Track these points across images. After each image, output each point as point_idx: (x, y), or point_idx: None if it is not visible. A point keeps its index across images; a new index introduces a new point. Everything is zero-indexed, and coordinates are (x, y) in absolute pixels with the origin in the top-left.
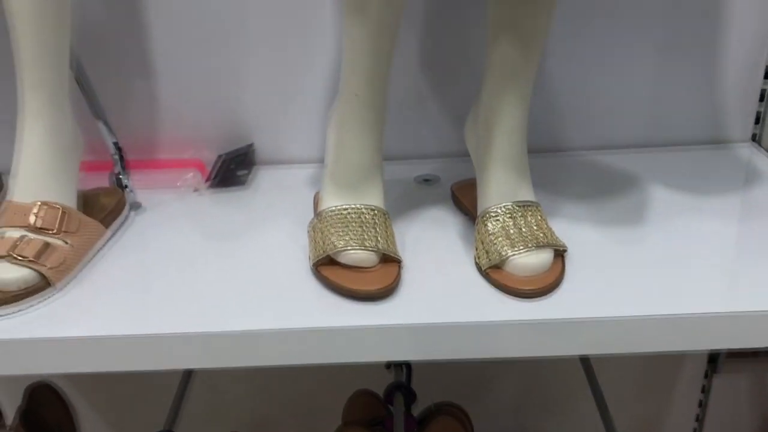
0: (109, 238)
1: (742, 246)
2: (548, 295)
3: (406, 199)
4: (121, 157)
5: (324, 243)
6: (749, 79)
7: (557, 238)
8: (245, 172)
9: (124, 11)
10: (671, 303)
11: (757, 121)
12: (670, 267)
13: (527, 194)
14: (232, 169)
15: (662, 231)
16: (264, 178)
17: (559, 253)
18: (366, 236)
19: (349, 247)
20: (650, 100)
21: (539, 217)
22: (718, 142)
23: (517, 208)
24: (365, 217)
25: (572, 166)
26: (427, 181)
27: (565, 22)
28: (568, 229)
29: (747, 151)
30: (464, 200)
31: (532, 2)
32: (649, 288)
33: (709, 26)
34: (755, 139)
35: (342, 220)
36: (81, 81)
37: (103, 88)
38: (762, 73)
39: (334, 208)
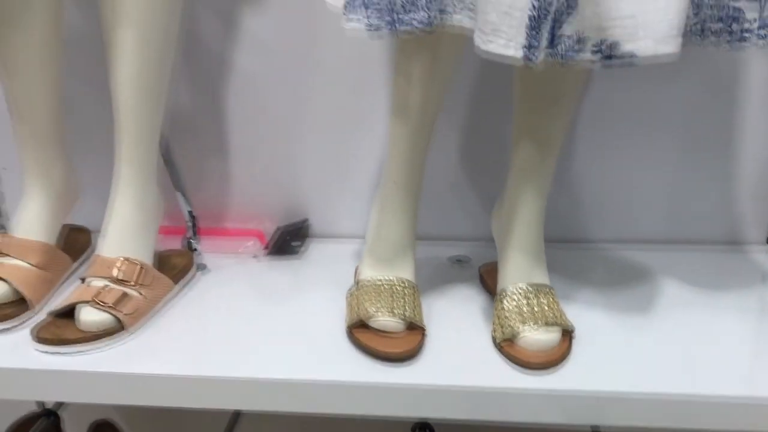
0: (177, 293)
1: (749, 337)
2: (554, 369)
3: (438, 276)
4: (194, 224)
5: (359, 309)
6: (764, 183)
7: (566, 319)
8: (299, 243)
9: (209, 101)
10: (672, 382)
11: None
12: (675, 350)
13: (541, 277)
14: (288, 240)
15: (671, 320)
16: (315, 250)
17: (567, 333)
18: (395, 305)
19: (379, 314)
20: (668, 198)
21: (551, 299)
22: (734, 243)
23: (531, 289)
24: (396, 289)
25: (593, 258)
26: (459, 261)
27: (591, 123)
28: (579, 313)
29: (763, 255)
30: (489, 280)
31: (547, 112)
32: (651, 367)
33: (725, 131)
34: None
35: (376, 290)
36: (167, 157)
37: (184, 163)
38: None
39: (370, 278)
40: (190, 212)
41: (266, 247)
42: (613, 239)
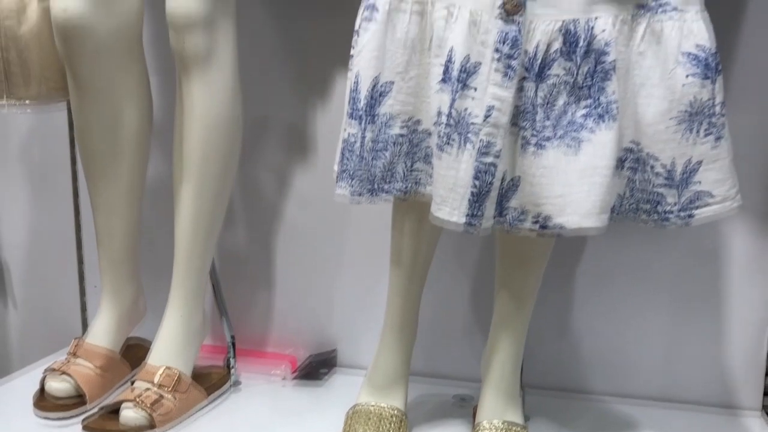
0: (210, 403)
1: None
2: None
3: (437, 411)
4: (234, 347)
5: (350, 429)
6: (755, 349)
7: None
8: (326, 371)
9: (259, 242)
10: None
11: (766, 393)
12: None
13: (515, 416)
14: (315, 368)
15: None
16: (338, 379)
17: None
18: (381, 430)
19: None
20: (663, 357)
21: None
22: (729, 407)
23: (504, 426)
24: (385, 414)
25: (585, 409)
26: (462, 399)
27: (591, 281)
28: None
29: (758, 422)
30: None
31: (521, 268)
32: None
33: (713, 296)
34: (766, 410)
35: (366, 414)
36: (216, 286)
37: (232, 292)
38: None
39: (364, 403)
40: (231, 336)
41: (294, 371)
42: (609, 392)
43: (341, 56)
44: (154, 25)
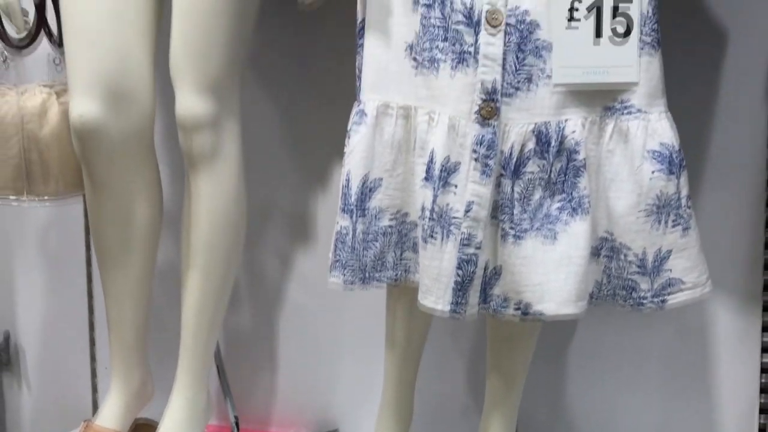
0: None
1: None
2: None
3: None
4: (237, 425)
5: None
6: (746, 426)
7: None
8: None
9: (263, 324)
10: None
11: None
12: None
13: None
14: None
15: None
16: None
17: None
18: None
19: None
20: None
21: None
22: None
23: None
24: None
25: None
26: None
27: (581, 358)
28: None
29: None
30: None
31: (510, 351)
32: None
33: (701, 379)
34: None
35: None
36: (220, 367)
37: (236, 372)
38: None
39: None
40: (235, 416)
41: None
42: None
43: (339, 148)
44: (166, 121)
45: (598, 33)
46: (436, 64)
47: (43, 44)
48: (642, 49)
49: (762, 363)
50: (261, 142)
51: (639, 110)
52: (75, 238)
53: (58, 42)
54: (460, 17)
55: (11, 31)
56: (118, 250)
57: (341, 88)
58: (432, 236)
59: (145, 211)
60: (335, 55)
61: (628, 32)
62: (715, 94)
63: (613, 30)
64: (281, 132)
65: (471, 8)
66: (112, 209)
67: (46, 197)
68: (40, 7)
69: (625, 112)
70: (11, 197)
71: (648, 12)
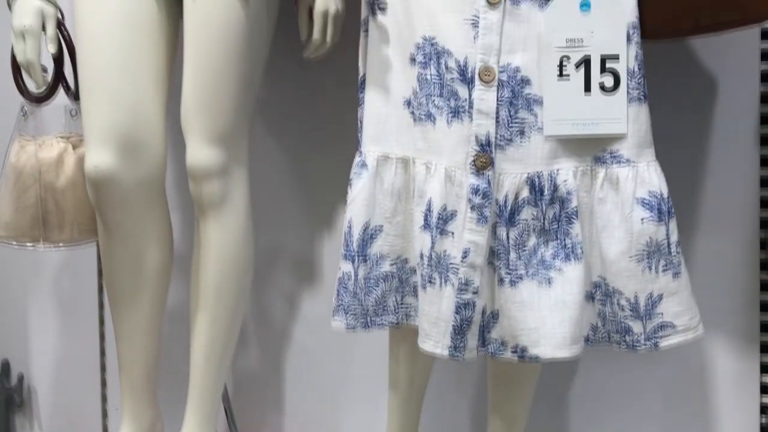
0: None
1: None
2: None
3: None
4: None
5: None
6: None
7: None
8: None
9: (271, 364)
10: None
11: None
12: None
13: None
14: None
15: None
16: None
17: None
18: None
19: None
20: None
21: None
22: None
23: None
24: None
25: None
26: None
27: (583, 400)
28: None
29: None
30: None
31: (511, 393)
32: None
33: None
34: None
35: None
36: (227, 407)
37: (244, 413)
38: None
39: None
40: None
41: None
42: None
43: (343, 194)
44: (176, 168)
45: (588, 87)
46: (432, 118)
47: (61, 96)
48: (630, 101)
49: (761, 403)
50: (268, 187)
51: (628, 160)
52: (87, 281)
53: (74, 95)
54: (455, 74)
55: (31, 85)
56: (129, 292)
57: (344, 136)
58: (430, 281)
59: (156, 255)
60: (339, 105)
61: (616, 86)
62: (706, 139)
63: (602, 84)
64: (287, 178)
65: (465, 65)
66: (124, 253)
67: (61, 243)
68: (58, 63)
69: (615, 161)
70: (28, 244)
71: (634, 67)
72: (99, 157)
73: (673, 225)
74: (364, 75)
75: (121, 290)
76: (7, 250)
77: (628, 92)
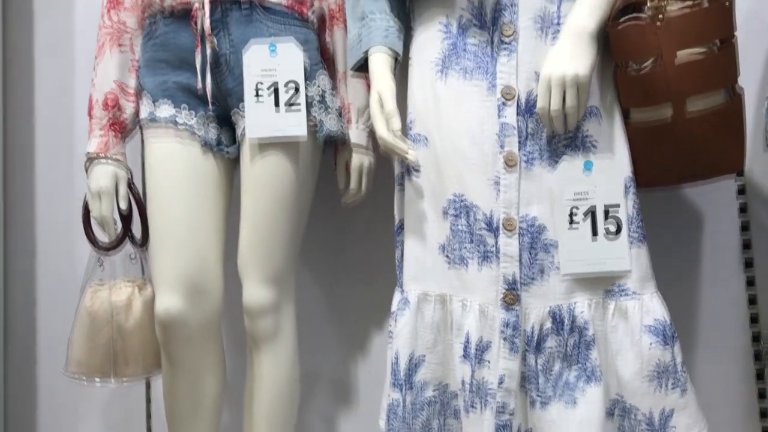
0: None
1: None
2: None
3: None
4: None
5: None
6: None
7: None
8: None
9: None
10: None
11: None
12: None
13: None
14: None
15: None
16: None
17: None
18: None
19: None
20: None
21: None
22: None
23: None
24: None
25: None
26: None
27: None
28: None
29: None
30: None
31: None
32: None
33: None
34: None
35: None
36: None
37: None
38: None
39: None
40: None
41: None
42: None
43: (378, 323)
44: (228, 305)
45: (595, 232)
46: (465, 262)
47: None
48: (631, 243)
49: None
50: (308, 317)
51: (634, 292)
52: (137, 409)
53: (139, 243)
54: (483, 225)
55: (101, 236)
56: (188, 417)
57: (375, 271)
58: (473, 406)
59: (212, 384)
60: (372, 244)
61: (618, 231)
62: (698, 268)
63: (606, 229)
64: (326, 309)
65: (490, 217)
66: (185, 384)
67: (125, 378)
68: (127, 218)
69: (623, 294)
70: (97, 380)
71: (633, 213)
72: (169, 301)
73: (677, 348)
74: (401, 222)
75: (181, 417)
76: (58, 379)
77: (629, 235)
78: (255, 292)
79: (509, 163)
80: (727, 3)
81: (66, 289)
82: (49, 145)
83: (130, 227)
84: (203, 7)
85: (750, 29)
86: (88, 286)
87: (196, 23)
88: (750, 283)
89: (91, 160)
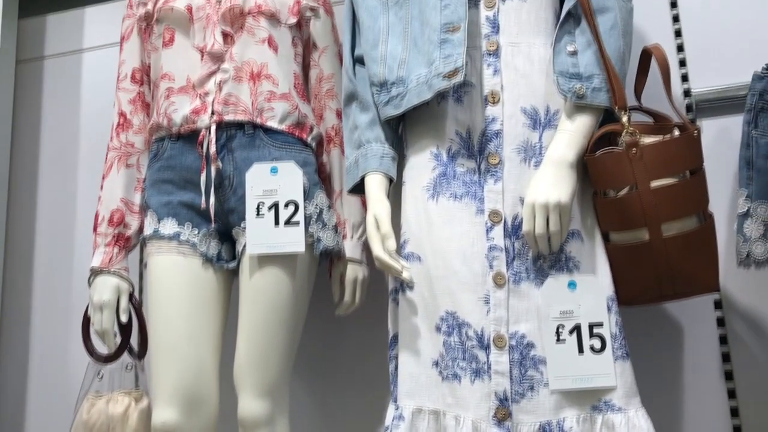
0: None
1: None
2: None
3: None
4: None
5: None
6: None
7: None
8: None
9: None
10: None
11: None
12: None
13: None
14: None
15: None
16: None
17: None
18: None
19: None
20: None
21: None
22: None
23: None
24: None
25: None
26: None
27: None
28: None
29: None
30: None
31: None
32: None
33: None
34: None
35: None
36: None
37: None
38: None
39: None
40: None
41: None
42: None
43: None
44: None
45: (581, 349)
46: (458, 377)
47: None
48: (616, 359)
49: None
50: (301, 429)
51: (619, 408)
52: None
53: (137, 354)
54: (474, 341)
55: (100, 347)
56: None
57: (367, 381)
58: None
59: None
60: (365, 356)
61: (603, 348)
62: (680, 381)
63: (591, 346)
64: (319, 420)
65: (482, 334)
66: None
67: None
68: (127, 329)
69: (609, 410)
70: None
71: (616, 331)
72: (166, 415)
73: None
74: (395, 336)
75: None
76: None
77: (613, 352)
78: (250, 404)
79: (498, 282)
80: (695, 133)
81: (58, 401)
82: (48, 257)
83: (129, 339)
84: (210, 132)
85: (718, 152)
86: (84, 398)
87: (202, 146)
88: (731, 395)
89: (95, 273)
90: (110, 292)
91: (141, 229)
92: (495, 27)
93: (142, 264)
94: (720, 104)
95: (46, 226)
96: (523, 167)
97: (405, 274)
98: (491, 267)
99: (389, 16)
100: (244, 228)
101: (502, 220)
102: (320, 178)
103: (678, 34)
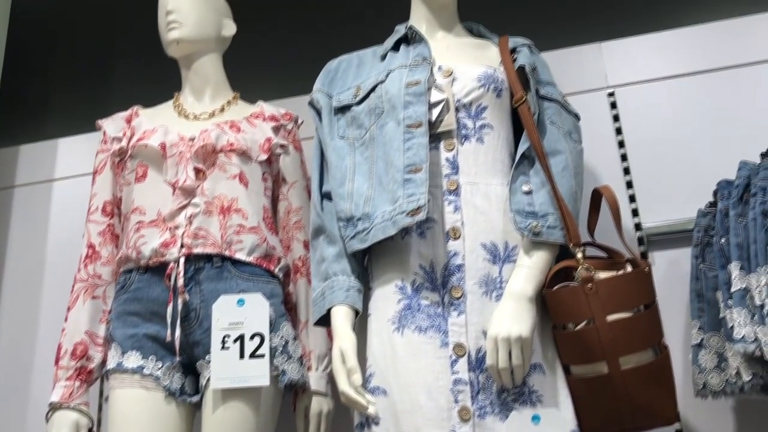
0: None
1: None
2: None
3: None
4: None
5: None
6: None
7: None
8: None
9: None
10: None
11: None
12: None
13: None
14: None
15: None
16: None
17: None
18: None
19: None
20: None
21: None
22: None
23: None
24: None
25: None
26: None
27: None
28: None
29: None
30: None
31: None
32: None
33: None
34: None
35: None
36: None
37: None
38: None
39: None
40: None
41: None
42: None
43: None
44: None
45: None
46: None
47: None
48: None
49: None
50: None
51: None
52: None
53: None
54: None
55: None
56: None
57: None
58: None
59: None
60: None
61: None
62: None
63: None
64: None
65: None
66: None
67: None
68: None
69: None
70: None
71: None
72: None
73: None
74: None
75: None
76: None
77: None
78: None
79: (464, 417)
80: (646, 269)
81: None
82: (4, 388)
83: None
84: (178, 265)
85: (670, 283)
86: None
87: (169, 278)
88: None
89: (54, 409)
90: (69, 428)
91: (104, 362)
92: (455, 167)
93: (103, 398)
94: (669, 238)
95: (4, 356)
96: (485, 300)
97: (371, 410)
98: (456, 401)
99: (356, 156)
100: (209, 361)
101: (467, 353)
102: (286, 309)
103: (627, 171)
